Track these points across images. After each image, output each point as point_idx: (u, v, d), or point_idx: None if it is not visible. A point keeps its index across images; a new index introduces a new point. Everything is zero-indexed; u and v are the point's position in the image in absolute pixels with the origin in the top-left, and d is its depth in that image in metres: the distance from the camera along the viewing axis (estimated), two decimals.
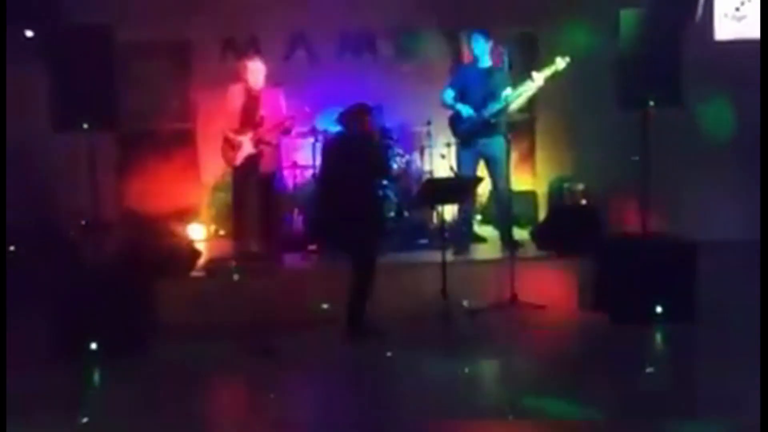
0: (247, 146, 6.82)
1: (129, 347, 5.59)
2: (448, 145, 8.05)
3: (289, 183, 8.52)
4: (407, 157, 8.28)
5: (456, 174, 6.91)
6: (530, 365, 5.39)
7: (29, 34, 7.54)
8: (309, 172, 8.27)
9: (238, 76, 6.99)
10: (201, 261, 7.05)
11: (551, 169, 8.84)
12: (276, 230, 7.57)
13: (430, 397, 4.81)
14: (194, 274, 6.84)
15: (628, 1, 6.27)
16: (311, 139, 8.17)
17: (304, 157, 8.41)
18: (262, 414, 4.77)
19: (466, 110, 6.93)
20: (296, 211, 8.16)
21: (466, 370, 5.22)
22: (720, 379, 4.89)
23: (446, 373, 5.18)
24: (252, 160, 6.87)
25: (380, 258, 6.22)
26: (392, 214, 7.71)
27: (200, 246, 7.56)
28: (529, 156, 9.01)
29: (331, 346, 5.78)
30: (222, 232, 8.30)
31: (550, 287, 6.55)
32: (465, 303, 6.26)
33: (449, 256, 6.44)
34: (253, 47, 8.42)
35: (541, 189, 8.82)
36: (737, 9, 8.11)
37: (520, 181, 8.50)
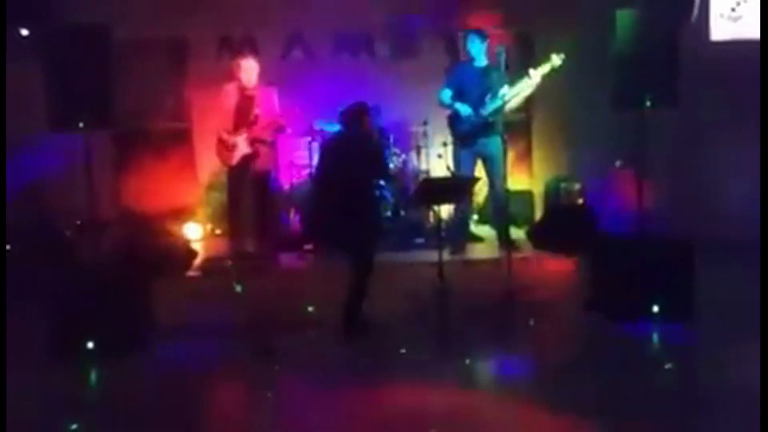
0: (242, 146, 6.82)
1: (125, 347, 5.57)
2: (445, 144, 8.06)
3: (286, 182, 8.52)
4: (404, 156, 8.29)
5: (452, 173, 6.91)
6: (526, 364, 5.39)
7: (25, 32, 7.53)
8: (305, 172, 8.27)
9: (231, 75, 6.98)
10: (197, 260, 7.05)
11: (548, 168, 8.85)
12: (272, 229, 7.58)
13: (428, 397, 4.81)
14: (190, 273, 6.83)
15: (624, 2, 6.28)
16: (308, 139, 8.18)
17: (301, 157, 8.41)
18: (259, 414, 4.77)
19: (464, 109, 6.94)
20: (293, 210, 8.16)
21: (463, 369, 5.23)
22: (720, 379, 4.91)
23: (443, 372, 5.18)
24: (247, 160, 6.87)
25: (377, 257, 6.24)
26: (389, 213, 7.71)
27: (197, 245, 7.56)
28: (525, 156, 9.02)
29: (328, 345, 5.78)
30: (218, 232, 8.31)
31: (547, 286, 6.55)
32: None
33: (446, 255, 6.46)
34: (248, 46, 8.42)
35: (538, 189, 8.84)
36: (733, 9, 8.13)
37: (517, 180, 8.52)
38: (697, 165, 8.03)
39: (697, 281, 5.88)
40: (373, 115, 6.22)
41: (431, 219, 7.70)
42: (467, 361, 5.37)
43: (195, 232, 8.23)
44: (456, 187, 6.67)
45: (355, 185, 5.83)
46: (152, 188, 8.29)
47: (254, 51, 8.03)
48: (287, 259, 7.34)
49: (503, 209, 7.16)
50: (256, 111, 6.76)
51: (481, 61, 7.04)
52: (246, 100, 6.83)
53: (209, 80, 7.70)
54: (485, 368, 5.53)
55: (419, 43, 8.78)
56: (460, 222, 7.40)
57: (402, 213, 7.86)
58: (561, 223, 7.20)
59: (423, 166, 8.38)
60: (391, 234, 7.48)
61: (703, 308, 5.82)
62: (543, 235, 7.24)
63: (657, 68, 6.04)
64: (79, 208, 6.36)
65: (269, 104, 6.88)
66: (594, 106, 7.33)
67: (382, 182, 7.50)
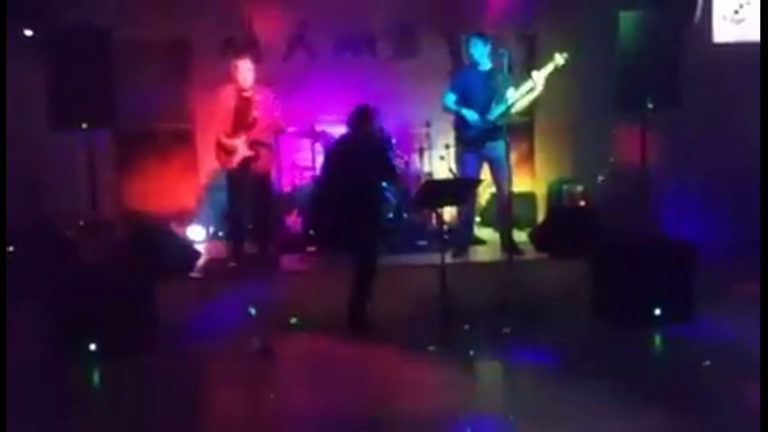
0: (242, 149, 6.80)
1: (128, 348, 5.57)
2: (447, 146, 8.06)
3: (288, 184, 8.52)
4: (406, 158, 8.28)
5: (455, 175, 6.91)
6: (529, 367, 5.38)
7: (28, 33, 7.54)
8: (308, 174, 8.27)
9: (229, 77, 6.96)
10: (200, 262, 7.05)
11: (550, 170, 8.85)
12: (273, 231, 7.59)
13: (430, 398, 4.80)
14: (193, 275, 6.83)
15: (627, 3, 6.28)
16: (310, 140, 8.18)
17: (303, 158, 8.41)
18: (261, 414, 4.77)
19: (471, 115, 6.90)
20: (295, 212, 8.16)
21: (465, 371, 5.22)
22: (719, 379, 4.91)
23: (445, 375, 5.17)
24: (247, 162, 6.85)
25: (379, 259, 6.24)
26: (391, 215, 7.70)
27: (199, 247, 7.56)
28: (528, 158, 9.01)
29: (331, 346, 5.78)
30: (221, 233, 8.30)
31: (549, 289, 6.54)
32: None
33: (448, 257, 6.45)
34: (251, 47, 8.43)
35: (540, 190, 8.83)
36: (736, 12, 8.11)
37: (520, 182, 8.49)
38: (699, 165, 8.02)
39: (699, 283, 5.89)
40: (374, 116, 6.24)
41: (434, 221, 7.70)
42: (469, 363, 5.36)
43: (197, 234, 8.23)
44: (459, 189, 6.67)
45: (363, 187, 5.90)
46: (155, 189, 8.30)
47: (250, 52, 8.03)
48: (290, 261, 7.33)
49: (507, 212, 7.15)
50: (255, 113, 6.74)
51: (485, 65, 7.01)
52: (244, 102, 6.82)
53: (212, 82, 7.70)
54: (487, 370, 5.53)
55: (421, 45, 8.78)
56: (463, 224, 7.38)
57: (404, 215, 7.85)
58: (563, 225, 7.18)
59: (426, 168, 8.37)
60: (393, 236, 7.47)
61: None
62: (545, 237, 7.23)
63: (659, 70, 6.04)
64: (82, 209, 6.36)
65: (267, 106, 6.86)
66: (596, 107, 7.33)
67: (384, 184, 7.49)
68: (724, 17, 8.13)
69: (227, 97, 6.87)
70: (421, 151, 8.38)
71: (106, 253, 6.32)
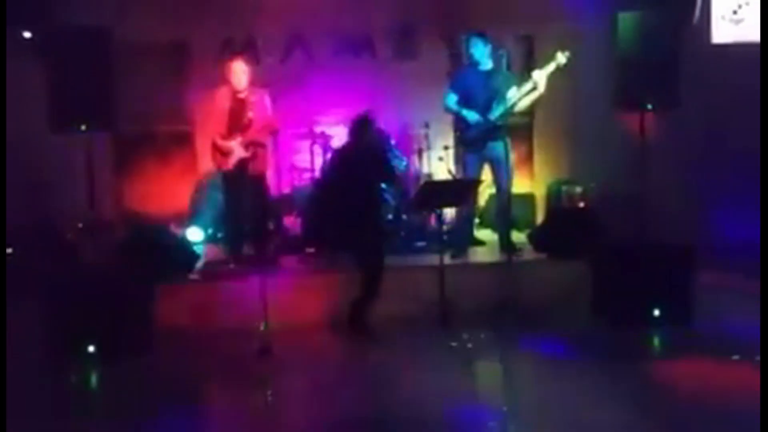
0: (238, 150, 6.80)
1: (126, 350, 5.58)
2: (446, 147, 8.05)
3: (287, 185, 8.51)
4: (405, 159, 8.28)
5: (454, 176, 6.90)
6: (527, 368, 5.39)
7: (27, 35, 7.54)
8: (307, 175, 8.26)
9: (223, 79, 6.95)
10: (199, 263, 7.04)
11: (549, 171, 8.84)
12: (272, 232, 7.58)
13: (428, 400, 4.80)
14: (192, 276, 6.83)
15: (625, 4, 6.29)
16: (309, 142, 8.18)
17: (302, 160, 8.40)
18: (260, 416, 4.77)
19: (472, 116, 6.88)
20: (294, 213, 8.15)
21: (464, 373, 5.22)
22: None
23: (444, 376, 5.18)
24: (243, 163, 6.85)
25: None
26: (390, 216, 7.69)
27: (198, 248, 7.55)
28: (527, 159, 9.01)
29: (329, 348, 5.78)
30: (220, 235, 8.29)
31: (548, 290, 6.54)
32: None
33: (447, 259, 6.46)
34: (249, 49, 8.44)
35: (540, 191, 8.83)
36: (735, 12, 8.12)
37: (519, 183, 8.49)
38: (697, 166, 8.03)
39: (696, 285, 5.90)
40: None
41: (433, 222, 7.69)
42: (468, 363, 5.37)
43: (196, 235, 8.22)
44: (458, 190, 6.67)
45: (362, 190, 6.05)
46: (154, 191, 8.29)
47: (248, 54, 8.03)
48: (288, 262, 7.32)
49: (507, 213, 7.15)
50: (250, 114, 6.73)
51: (486, 65, 6.99)
52: (239, 104, 6.81)
53: (211, 83, 7.69)
54: (486, 371, 5.53)
55: (420, 46, 8.78)
56: (463, 225, 7.37)
57: (404, 216, 7.84)
58: (562, 226, 7.18)
59: (425, 169, 8.36)
60: (392, 237, 7.47)
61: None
62: (544, 238, 7.22)
63: (658, 71, 6.05)
64: (81, 210, 6.36)
65: (262, 107, 6.85)
66: (595, 108, 7.33)
67: (384, 185, 7.50)
68: (723, 18, 8.14)
69: (222, 99, 6.86)
70: (419, 153, 8.38)
71: (106, 254, 6.32)
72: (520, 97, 6.77)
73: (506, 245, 7.00)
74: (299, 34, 8.69)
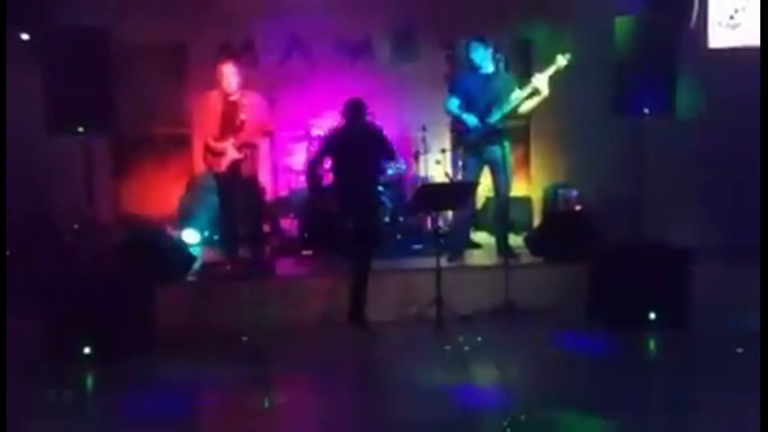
0: (231, 152, 6.79)
1: (123, 352, 5.58)
2: (443, 150, 8.07)
3: (283, 188, 8.52)
4: (402, 162, 8.28)
5: (451, 179, 6.90)
6: (524, 371, 5.40)
7: (24, 36, 7.53)
8: (304, 178, 8.26)
9: (214, 82, 6.95)
10: (196, 265, 7.04)
11: (546, 175, 8.86)
12: (267, 234, 7.59)
13: (424, 402, 4.81)
14: (189, 278, 6.83)
15: (623, 9, 6.30)
16: (306, 144, 8.18)
17: (299, 162, 8.41)
18: (257, 419, 4.77)
19: (471, 120, 6.88)
20: (291, 215, 8.16)
21: (460, 376, 5.23)
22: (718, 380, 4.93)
23: (439, 379, 5.18)
24: (236, 165, 6.85)
25: (374, 263, 6.28)
26: (387, 219, 7.70)
27: (195, 250, 7.55)
28: (524, 162, 9.03)
29: (327, 350, 5.78)
30: (216, 237, 8.29)
31: (544, 293, 6.55)
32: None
33: (443, 261, 6.47)
34: (247, 51, 8.45)
35: (536, 195, 8.85)
36: (731, 17, 8.15)
37: (516, 186, 8.49)
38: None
39: (693, 287, 5.91)
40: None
41: (429, 225, 7.70)
42: (463, 367, 5.38)
43: (193, 237, 8.22)
44: (455, 193, 6.68)
45: (364, 165, 6.52)
46: (152, 193, 8.29)
47: (242, 56, 8.04)
48: (286, 264, 7.33)
49: (505, 217, 7.16)
50: (242, 116, 6.73)
51: (487, 68, 6.98)
52: (230, 106, 6.80)
53: (209, 86, 7.70)
54: (484, 374, 5.54)
55: (419, 49, 8.79)
56: (460, 228, 7.37)
57: (401, 219, 7.85)
58: (559, 230, 7.19)
59: (422, 173, 8.37)
60: (389, 239, 7.48)
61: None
62: (541, 242, 7.24)
63: (655, 75, 6.07)
64: (79, 212, 6.35)
65: (255, 109, 6.85)
66: (592, 112, 7.35)
67: (381, 188, 7.52)
68: (720, 23, 8.16)
69: (214, 102, 6.86)
70: (417, 156, 8.39)
71: (104, 256, 6.32)
72: (522, 99, 6.77)
73: (504, 249, 7.01)
74: (298, 36, 8.71)
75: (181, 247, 7.20)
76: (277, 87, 7.95)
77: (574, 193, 8.29)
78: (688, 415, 4.58)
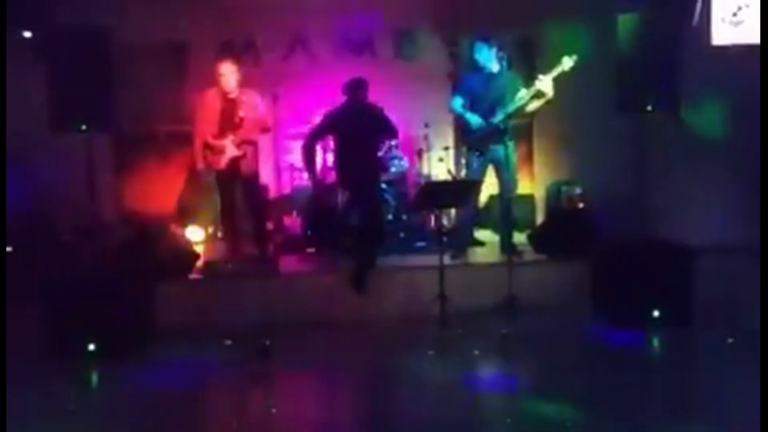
0: (230, 149, 6.80)
1: (126, 349, 5.58)
2: (446, 148, 8.06)
3: (286, 185, 8.52)
4: (405, 159, 8.28)
5: (454, 177, 6.89)
6: (527, 369, 5.40)
7: (27, 35, 7.53)
8: (306, 175, 8.25)
9: (212, 80, 6.95)
10: (199, 263, 7.05)
11: (549, 172, 8.85)
12: (270, 231, 7.59)
13: (427, 401, 4.81)
14: (192, 276, 6.83)
15: (626, 6, 6.28)
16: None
17: (301, 160, 8.38)
18: (260, 416, 4.77)
19: (474, 120, 6.86)
20: (294, 213, 8.16)
21: (464, 373, 5.23)
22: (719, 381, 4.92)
23: (443, 376, 5.18)
24: (236, 162, 6.86)
25: (378, 261, 6.28)
26: (390, 216, 7.70)
27: (198, 248, 7.56)
28: (527, 160, 9.01)
29: (330, 347, 5.79)
30: (220, 234, 8.29)
31: (548, 291, 6.55)
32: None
33: (447, 259, 6.46)
34: (249, 49, 8.44)
35: (539, 192, 8.84)
36: (734, 14, 8.12)
37: (519, 184, 8.49)
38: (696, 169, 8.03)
39: (696, 285, 5.90)
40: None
41: (433, 223, 7.70)
42: (467, 364, 5.37)
43: (197, 235, 8.23)
44: (458, 191, 6.68)
45: (369, 142, 6.88)
46: (154, 191, 8.30)
47: (242, 55, 8.04)
48: (290, 262, 7.33)
49: (509, 215, 7.15)
50: (241, 113, 6.74)
51: (492, 68, 6.96)
52: (229, 104, 6.80)
53: (210, 84, 7.69)
54: (485, 371, 5.54)
55: (421, 47, 8.78)
56: (463, 226, 7.37)
57: (404, 216, 7.85)
58: (562, 227, 7.18)
59: (425, 170, 8.37)
60: (392, 237, 7.48)
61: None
62: (544, 239, 7.23)
63: (658, 73, 6.05)
64: (81, 210, 6.36)
65: (254, 106, 6.86)
66: (595, 110, 7.33)
67: (384, 186, 7.52)
68: (723, 20, 8.13)
69: (212, 100, 6.86)
70: (420, 153, 8.38)
71: (106, 254, 6.32)
72: (527, 99, 6.74)
73: (507, 247, 7.00)
74: (300, 33, 8.69)
75: (184, 244, 7.21)
76: (280, 84, 7.94)
77: (578, 190, 8.28)
78: (689, 412, 4.58)
